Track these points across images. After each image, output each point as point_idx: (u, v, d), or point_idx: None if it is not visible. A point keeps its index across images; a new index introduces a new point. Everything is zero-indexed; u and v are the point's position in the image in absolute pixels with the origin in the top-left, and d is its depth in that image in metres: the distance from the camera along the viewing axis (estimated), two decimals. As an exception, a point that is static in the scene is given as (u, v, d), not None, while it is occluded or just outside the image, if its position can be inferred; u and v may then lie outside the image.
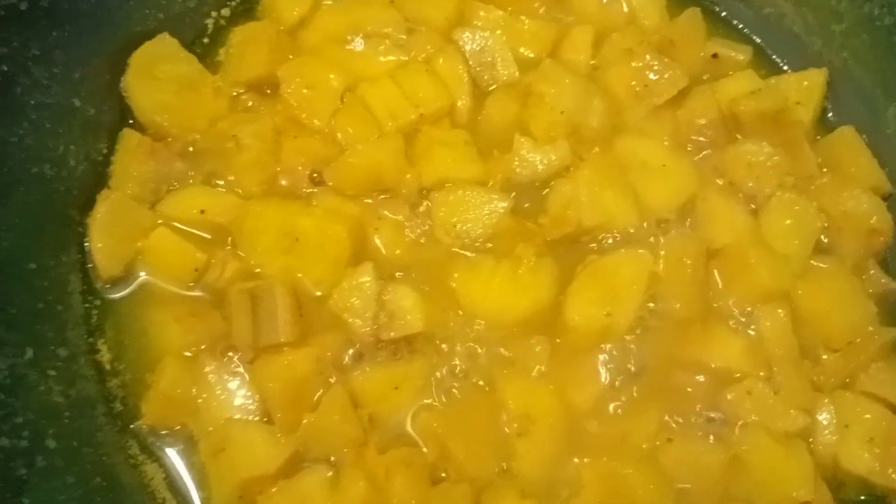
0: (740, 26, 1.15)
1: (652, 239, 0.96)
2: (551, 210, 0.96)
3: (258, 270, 0.88)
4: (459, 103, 1.01)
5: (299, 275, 0.88)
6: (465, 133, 0.99)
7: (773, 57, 1.13)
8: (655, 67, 1.04)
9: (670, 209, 0.98)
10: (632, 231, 0.96)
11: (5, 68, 0.81)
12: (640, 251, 0.92)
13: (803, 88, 1.06)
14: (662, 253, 0.94)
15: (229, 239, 0.90)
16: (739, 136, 1.04)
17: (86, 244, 0.88)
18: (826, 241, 0.99)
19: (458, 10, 1.06)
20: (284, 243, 0.88)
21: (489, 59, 1.04)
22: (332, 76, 0.99)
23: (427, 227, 0.94)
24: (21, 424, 0.73)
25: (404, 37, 1.04)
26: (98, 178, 0.91)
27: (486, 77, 1.04)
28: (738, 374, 0.88)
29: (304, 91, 0.97)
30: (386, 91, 0.98)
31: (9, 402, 0.73)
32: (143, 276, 0.88)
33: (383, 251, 0.92)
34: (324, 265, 0.88)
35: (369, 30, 1.04)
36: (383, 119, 0.97)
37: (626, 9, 1.11)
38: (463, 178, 0.95)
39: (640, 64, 1.05)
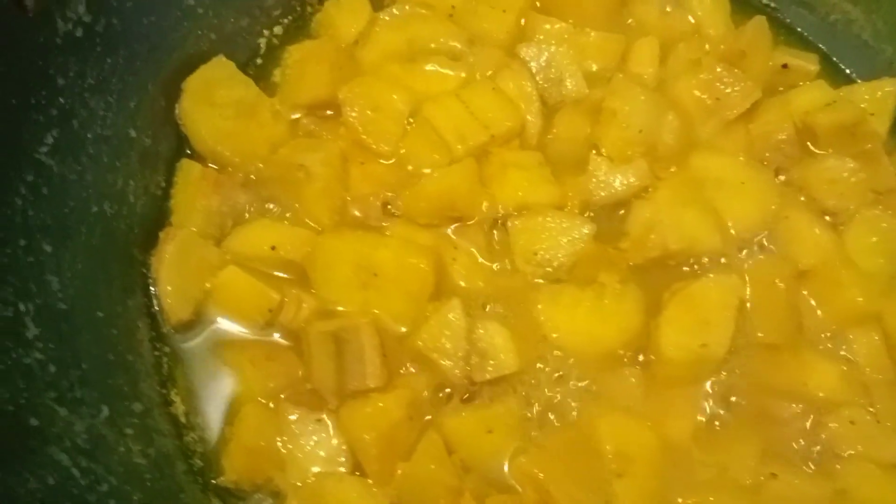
0: (805, 34, 1.12)
1: (737, 261, 0.93)
2: (632, 233, 0.92)
3: (336, 308, 0.83)
4: (529, 122, 0.96)
5: (377, 311, 0.83)
6: (538, 154, 0.94)
7: (840, 65, 1.10)
8: (726, 79, 1.00)
9: (753, 229, 0.94)
10: (717, 254, 0.92)
11: (62, 101, 0.75)
12: (731, 276, 0.89)
13: (877, 99, 1.02)
14: (747, 277, 0.90)
15: (302, 276, 0.85)
16: (814, 149, 1.01)
17: (151, 287, 0.82)
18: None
19: (519, 24, 1.02)
20: (362, 278, 0.83)
21: (556, 74, 1.00)
22: (395, 96, 0.94)
23: (506, 256, 0.90)
24: (107, 493, 0.67)
25: (466, 52, 0.99)
26: (158, 214, 0.86)
27: (553, 94, 1.00)
28: (837, 402, 0.85)
29: (369, 113, 0.92)
30: (453, 111, 0.94)
31: (92, 469, 0.67)
32: (213, 318, 0.83)
33: (463, 284, 0.87)
34: (405, 300, 0.83)
35: (430, 46, 0.99)
36: (452, 141, 0.92)
37: (690, 18, 1.07)
38: (540, 202, 0.91)
39: (710, 76, 1.01)
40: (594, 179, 0.93)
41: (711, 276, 0.90)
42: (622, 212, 0.94)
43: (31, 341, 0.67)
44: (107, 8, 0.79)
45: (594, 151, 0.95)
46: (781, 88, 1.04)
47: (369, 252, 0.84)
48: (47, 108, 0.73)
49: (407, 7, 0.99)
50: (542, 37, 1.01)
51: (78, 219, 0.76)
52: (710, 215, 0.94)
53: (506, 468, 0.80)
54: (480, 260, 0.89)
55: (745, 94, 1.01)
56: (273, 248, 0.84)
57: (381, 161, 0.91)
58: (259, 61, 0.98)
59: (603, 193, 0.94)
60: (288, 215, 0.88)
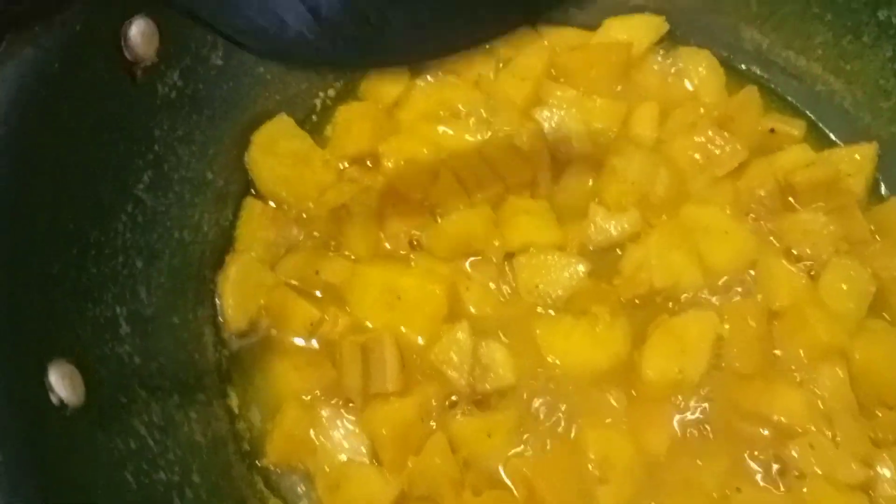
0: (793, 101, 1.25)
1: (716, 300, 1.05)
2: (624, 272, 1.06)
3: (366, 324, 0.99)
4: (540, 175, 1.12)
5: (402, 328, 0.99)
6: (545, 202, 1.09)
7: (825, 130, 1.22)
8: (717, 142, 1.14)
9: (733, 272, 1.07)
10: (698, 292, 1.05)
11: (157, 148, 0.95)
12: (708, 313, 1.01)
13: (854, 161, 1.14)
14: (725, 315, 1.03)
15: (339, 297, 1.01)
16: (795, 204, 1.13)
17: (216, 300, 1.00)
18: (879, 303, 1.07)
19: (536, 91, 1.18)
20: (388, 300, 1.00)
21: (565, 134, 1.16)
22: (426, 151, 1.11)
23: (512, 287, 1.04)
24: (173, 461, 0.84)
25: (488, 114, 1.16)
26: (226, 242, 1.04)
27: (562, 150, 1.15)
28: (800, 428, 0.96)
29: (403, 164, 1.10)
30: (475, 165, 1.10)
31: (163, 441, 0.84)
32: (265, 328, 1.00)
33: (473, 310, 1.02)
34: (423, 320, 0.99)
35: (458, 108, 1.16)
36: (473, 189, 1.09)
37: (688, 86, 1.22)
38: (544, 243, 1.06)
39: (703, 138, 1.15)
40: (592, 225, 1.08)
41: (692, 311, 1.03)
42: (617, 252, 1.08)
43: (123, 337, 0.85)
44: (196, 76, 0.99)
45: (595, 201, 1.10)
46: (766, 150, 1.16)
47: (395, 279, 1.01)
48: (146, 154, 0.93)
49: (440, 74, 1.17)
50: (554, 101, 1.18)
51: (164, 243, 0.95)
52: (695, 258, 1.07)
53: (501, 469, 0.93)
54: (490, 289, 1.04)
55: (734, 155, 1.14)
56: (317, 272, 1.01)
57: (411, 204, 1.08)
58: (314, 118, 1.16)
59: (600, 237, 1.08)
60: (332, 244, 1.05)
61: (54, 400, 0.70)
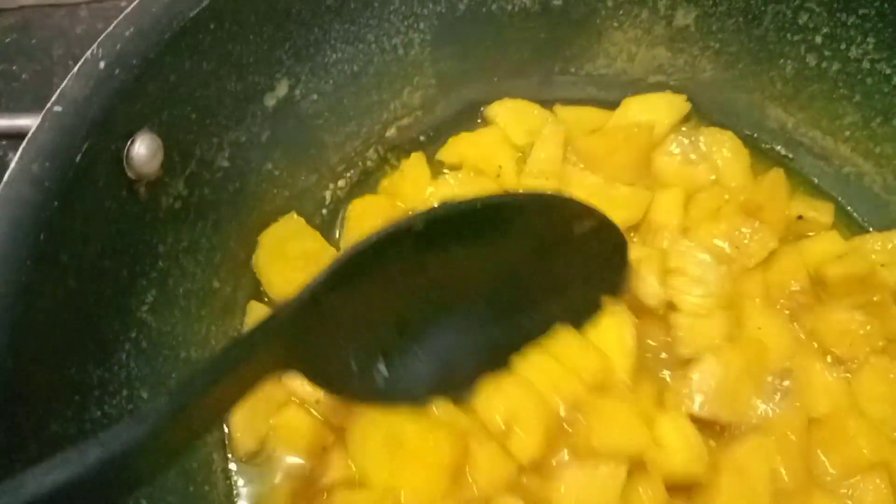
0: (819, 183, 1.21)
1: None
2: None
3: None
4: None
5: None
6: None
7: (854, 215, 1.18)
8: (744, 230, 1.10)
9: (771, 373, 1.02)
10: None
11: (161, 264, 0.89)
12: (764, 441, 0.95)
13: (888, 250, 1.10)
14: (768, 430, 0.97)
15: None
16: (826, 298, 1.08)
17: (223, 421, 0.94)
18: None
19: (559, 186, 1.13)
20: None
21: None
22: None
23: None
24: None
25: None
26: (234, 354, 0.98)
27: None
28: (845, 546, 0.92)
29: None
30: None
31: None
32: (275, 452, 0.94)
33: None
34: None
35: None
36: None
37: (711, 171, 1.17)
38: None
39: (730, 226, 1.10)
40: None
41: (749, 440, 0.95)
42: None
43: (130, 481, 0.79)
44: (201, 181, 0.93)
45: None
46: (793, 237, 1.12)
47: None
48: (149, 273, 0.87)
49: (461, 172, 1.13)
50: (576, 188, 1.13)
51: (170, 367, 0.89)
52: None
53: None
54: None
55: (763, 244, 1.09)
56: (317, 401, 0.93)
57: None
58: (324, 212, 1.11)
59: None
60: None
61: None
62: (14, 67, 1.43)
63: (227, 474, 0.92)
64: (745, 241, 1.10)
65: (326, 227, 1.09)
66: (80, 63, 0.75)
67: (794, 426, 0.96)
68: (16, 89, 1.38)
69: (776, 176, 1.15)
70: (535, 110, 1.18)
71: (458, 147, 1.16)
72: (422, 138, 1.19)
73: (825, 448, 0.98)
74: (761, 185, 1.15)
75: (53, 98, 0.73)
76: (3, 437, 0.64)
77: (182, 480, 0.86)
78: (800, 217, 1.14)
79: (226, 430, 0.94)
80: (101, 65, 0.76)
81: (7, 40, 1.46)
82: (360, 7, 1.05)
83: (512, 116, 1.18)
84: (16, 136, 0.87)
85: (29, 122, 0.74)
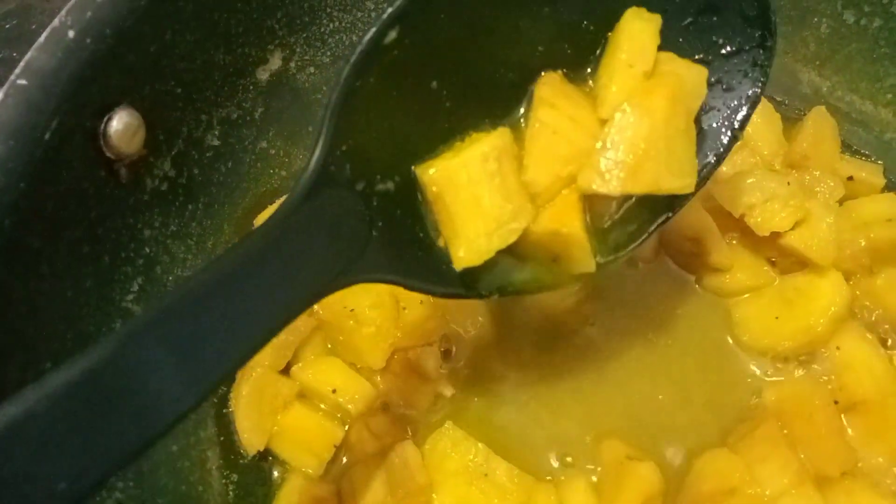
0: (861, 150, 1.11)
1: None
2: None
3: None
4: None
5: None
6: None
7: (896, 181, 1.09)
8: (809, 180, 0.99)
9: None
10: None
11: (147, 250, 0.83)
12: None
13: (940, 217, 1.01)
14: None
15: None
16: (875, 263, 0.99)
17: (222, 416, 0.89)
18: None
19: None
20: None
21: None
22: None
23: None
24: None
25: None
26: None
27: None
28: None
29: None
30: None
31: None
32: (280, 450, 0.88)
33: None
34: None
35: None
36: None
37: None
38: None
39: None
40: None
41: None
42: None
43: (114, 484, 0.74)
44: (189, 161, 0.87)
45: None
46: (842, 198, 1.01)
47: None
48: (135, 260, 0.81)
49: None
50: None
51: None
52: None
53: None
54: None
55: (833, 190, 0.98)
56: (334, 391, 0.88)
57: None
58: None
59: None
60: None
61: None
62: (14, 54, 1.37)
63: (222, 473, 0.87)
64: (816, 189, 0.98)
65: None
66: (46, 32, 0.69)
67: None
68: (16, 75, 1.33)
69: (817, 115, 1.04)
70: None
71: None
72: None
73: (864, 434, 0.90)
74: (803, 131, 1.03)
75: (17, 70, 0.67)
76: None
77: (173, 480, 0.81)
78: (850, 178, 1.04)
79: (222, 428, 0.88)
80: (70, 34, 0.70)
81: (7, 26, 1.41)
82: (358, -29, 0.98)
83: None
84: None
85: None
